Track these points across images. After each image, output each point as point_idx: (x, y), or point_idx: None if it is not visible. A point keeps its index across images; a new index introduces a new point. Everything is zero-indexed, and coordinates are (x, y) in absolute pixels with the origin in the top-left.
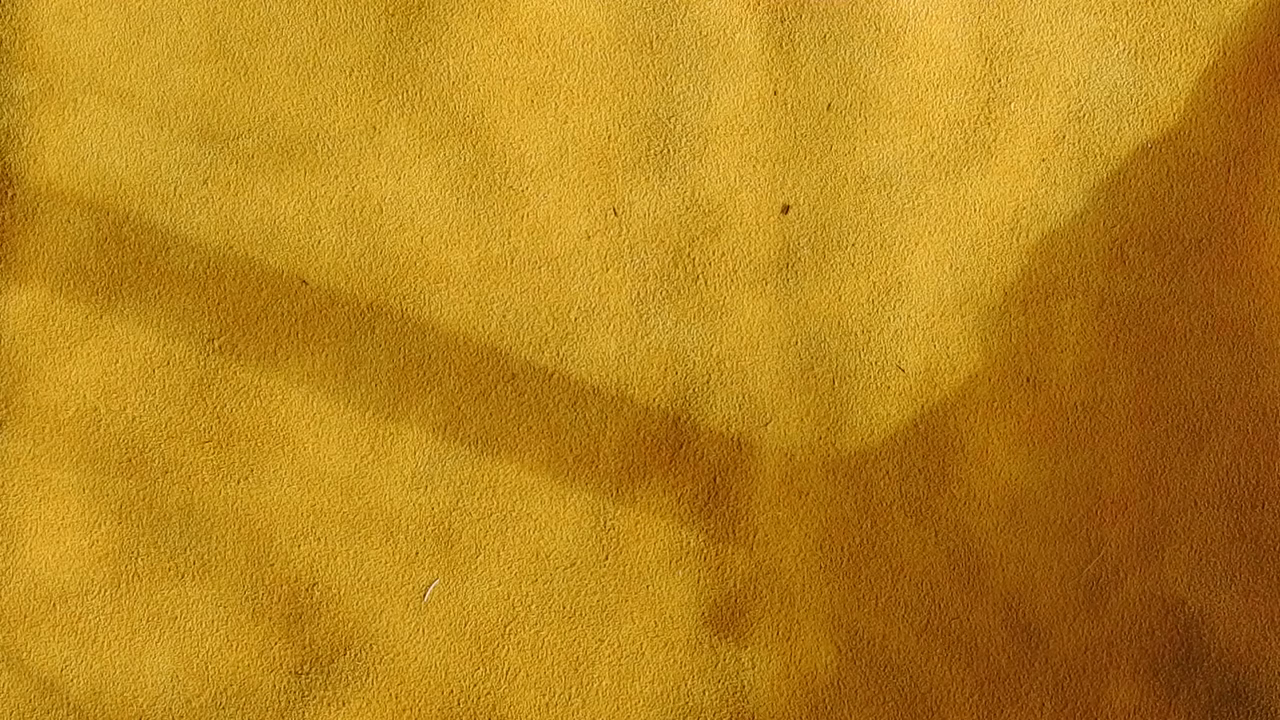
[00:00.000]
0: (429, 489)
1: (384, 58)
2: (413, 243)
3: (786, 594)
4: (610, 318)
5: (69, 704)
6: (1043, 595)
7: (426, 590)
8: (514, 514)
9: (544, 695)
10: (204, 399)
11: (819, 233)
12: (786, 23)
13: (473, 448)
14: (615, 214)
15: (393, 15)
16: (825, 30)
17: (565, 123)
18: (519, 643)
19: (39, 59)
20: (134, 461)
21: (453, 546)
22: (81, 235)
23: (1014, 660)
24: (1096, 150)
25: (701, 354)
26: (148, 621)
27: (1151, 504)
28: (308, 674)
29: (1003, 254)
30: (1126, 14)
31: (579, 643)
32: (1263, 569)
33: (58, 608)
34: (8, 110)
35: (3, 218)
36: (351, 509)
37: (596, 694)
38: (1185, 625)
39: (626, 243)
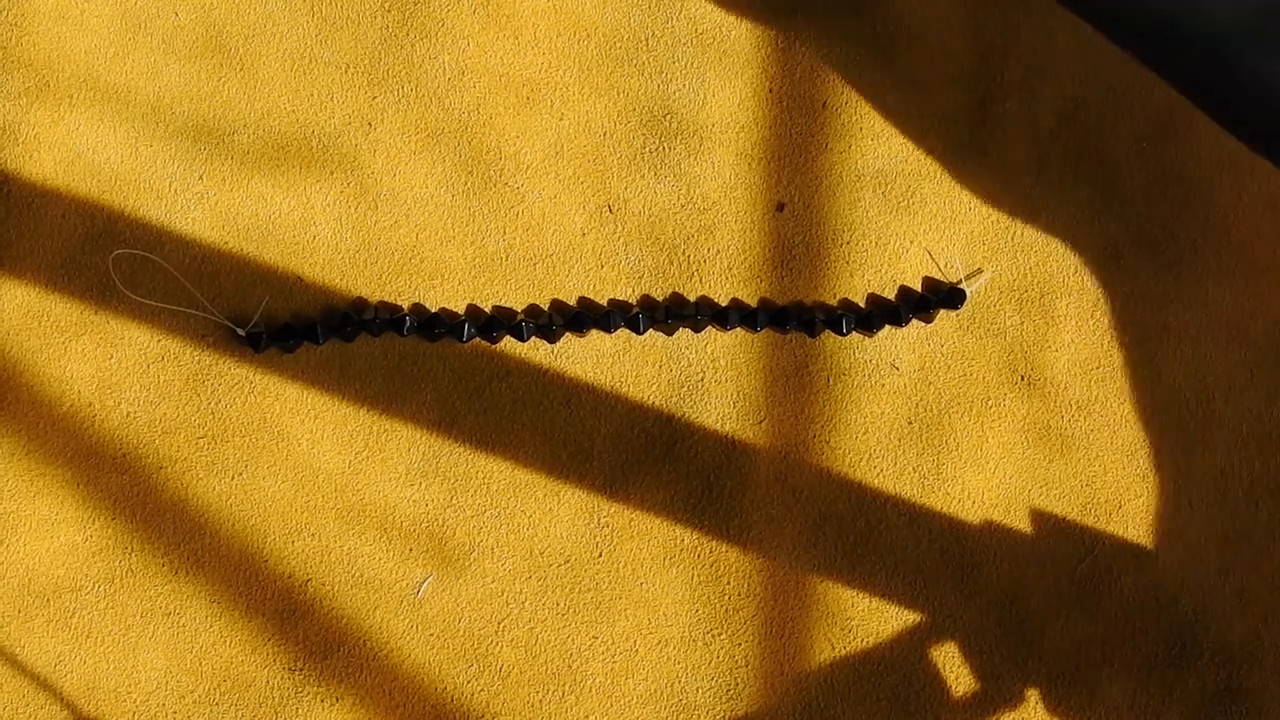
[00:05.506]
0: (423, 485)
1: (379, 54)
2: (408, 239)
3: (780, 591)
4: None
5: (63, 699)
6: (1036, 594)
7: (420, 587)
8: (508, 511)
9: (537, 692)
10: (199, 394)
11: (813, 230)
12: (782, 20)
13: (467, 444)
14: (610, 211)
15: (389, 11)
16: (820, 28)
17: (561, 120)
18: (513, 640)
19: (34, 56)
20: (128, 457)
21: (446, 543)
22: (76, 231)
23: (1008, 659)
24: (1091, 149)
25: (696, 351)
26: (141, 617)
27: (1146, 503)
28: (301, 670)
29: (997, 252)
30: None
31: (573, 640)
32: (1257, 568)
33: (51, 603)
34: (3, 107)
35: None
36: (345, 505)
37: (590, 691)
38: (1179, 624)
39: (621, 240)
